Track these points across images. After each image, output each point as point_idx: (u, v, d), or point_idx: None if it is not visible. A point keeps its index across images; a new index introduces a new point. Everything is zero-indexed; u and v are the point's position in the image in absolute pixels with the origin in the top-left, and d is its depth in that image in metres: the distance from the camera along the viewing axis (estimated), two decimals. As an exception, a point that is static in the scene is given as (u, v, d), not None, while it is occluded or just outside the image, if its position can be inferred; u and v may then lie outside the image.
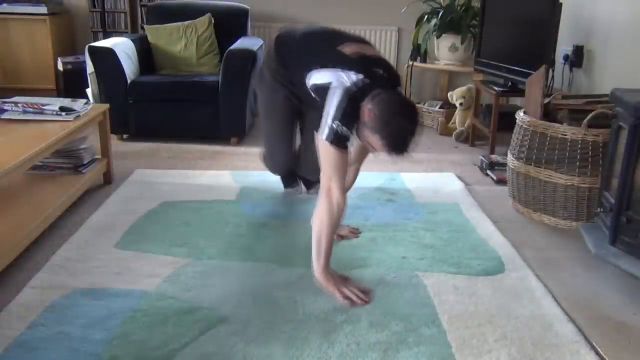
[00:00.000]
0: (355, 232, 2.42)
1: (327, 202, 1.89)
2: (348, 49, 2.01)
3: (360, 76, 1.89)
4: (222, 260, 2.16)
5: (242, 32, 4.25)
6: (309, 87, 2.05)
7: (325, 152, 1.90)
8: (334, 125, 1.86)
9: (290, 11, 4.81)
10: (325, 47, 2.09)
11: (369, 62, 2.00)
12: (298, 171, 2.67)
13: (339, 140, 1.87)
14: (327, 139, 1.88)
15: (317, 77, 1.99)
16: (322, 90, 1.94)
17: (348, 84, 1.88)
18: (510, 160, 2.78)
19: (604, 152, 2.40)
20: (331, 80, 1.91)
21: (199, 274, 2.05)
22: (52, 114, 2.62)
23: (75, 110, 2.67)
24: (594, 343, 1.72)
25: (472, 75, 4.26)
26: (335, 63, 1.95)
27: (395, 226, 2.51)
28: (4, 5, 4.56)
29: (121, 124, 3.71)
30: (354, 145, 2.07)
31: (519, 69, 3.38)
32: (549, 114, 2.68)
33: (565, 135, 2.49)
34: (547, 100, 2.74)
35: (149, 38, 4.11)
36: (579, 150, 2.47)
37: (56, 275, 2.01)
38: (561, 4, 3.23)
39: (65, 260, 2.12)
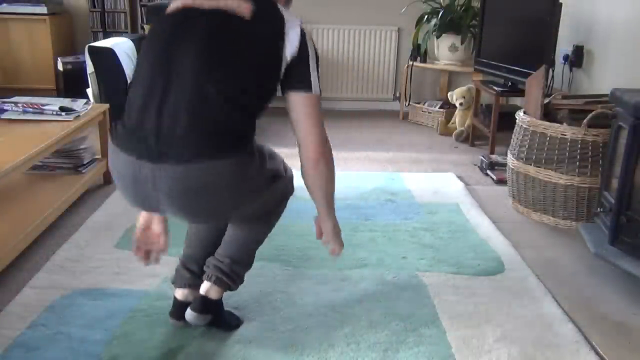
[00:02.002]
0: None
1: (332, 162, 1.58)
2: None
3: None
4: (222, 260, 2.16)
5: (242, 32, 4.24)
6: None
7: (316, 110, 1.52)
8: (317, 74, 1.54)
9: (290, 11, 4.81)
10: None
11: None
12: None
13: None
14: (318, 91, 1.53)
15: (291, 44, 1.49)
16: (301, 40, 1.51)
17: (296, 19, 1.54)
18: (510, 160, 2.78)
19: (604, 152, 2.40)
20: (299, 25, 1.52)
21: (199, 274, 2.05)
22: (52, 114, 2.62)
23: (75, 110, 2.67)
24: (594, 343, 1.72)
25: (472, 75, 4.26)
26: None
27: (395, 226, 2.51)
28: (4, 5, 4.56)
29: (121, 124, 3.70)
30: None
31: (519, 69, 3.38)
32: (549, 114, 2.68)
33: (565, 135, 2.49)
34: (547, 100, 2.74)
35: (149, 38, 4.10)
36: (578, 150, 2.47)
37: (56, 275, 2.01)
38: (561, 4, 3.23)
39: (65, 260, 2.12)
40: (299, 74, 1.51)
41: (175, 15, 1.50)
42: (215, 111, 1.43)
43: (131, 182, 1.46)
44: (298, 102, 1.52)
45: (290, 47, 1.48)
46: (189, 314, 1.67)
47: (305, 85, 1.51)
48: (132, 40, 3.96)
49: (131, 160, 1.43)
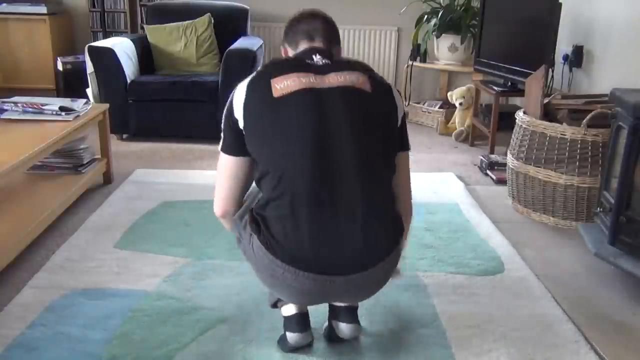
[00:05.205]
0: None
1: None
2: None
3: None
4: (222, 260, 2.16)
5: (241, 32, 4.24)
6: None
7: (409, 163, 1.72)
8: None
9: (290, 11, 4.75)
10: None
11: None
12: None
13: None
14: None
15: None
16: None
17: None
18: (510, 160, 2.78)
19: (604, 152, 2.40)
20: None
21: (199, 274, 2.05)
22: (52, 114, 2.62)
23: (75, 110, 2.67)
24: (593, 343, 1.72)
25: (472, 75, 4.26)
26: None
27: (395, 226, 2.51)
28: (4, 5, 4.56)
29: (121, 124, 3.71)
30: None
31: (518, 69, 3.38)
32: (548, 114, 2.68)
33: (565, 135, 2.49)
34: (546, 100, 2.75)
35: (149, 38, 4.11)
36: (578, 150, 2.47)
37: (56, 275, 2.01)
38: (561, 4, 3.23)
39: (65, 260, 2.12)
40: (404, 136, 1.60)
41: (300, 96, 1.43)
42: (387, 195, 1.49)
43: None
44: (403, 159, 1.59)
45: (400, 114, 1.56)
46: (345, 327, 1.59)
47: (408, 144, 1.62)
48: (132, 40, 3.97)
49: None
